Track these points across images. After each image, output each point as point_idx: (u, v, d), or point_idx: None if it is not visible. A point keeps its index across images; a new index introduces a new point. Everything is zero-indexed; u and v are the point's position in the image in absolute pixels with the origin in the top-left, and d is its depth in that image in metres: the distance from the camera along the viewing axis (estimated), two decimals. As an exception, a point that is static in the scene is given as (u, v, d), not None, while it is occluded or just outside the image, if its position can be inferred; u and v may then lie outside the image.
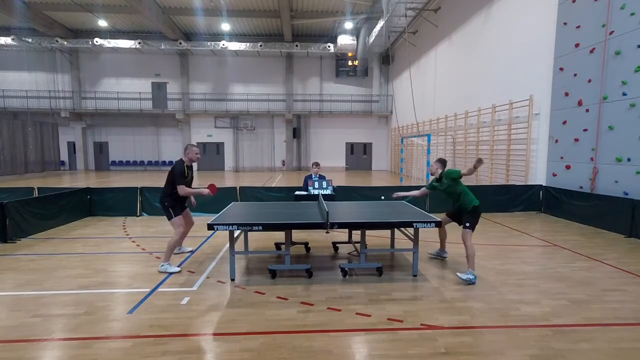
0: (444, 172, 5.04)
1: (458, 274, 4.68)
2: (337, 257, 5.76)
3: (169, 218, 5.18)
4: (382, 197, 5.57)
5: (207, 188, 5.22)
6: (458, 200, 4.98)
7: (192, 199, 5.58)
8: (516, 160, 11.06)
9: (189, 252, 5.94)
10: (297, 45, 23.88)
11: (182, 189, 5.11)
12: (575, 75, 8.81)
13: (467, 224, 4.77)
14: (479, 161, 4.67)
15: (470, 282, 4.54)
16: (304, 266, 4.88)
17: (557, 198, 9.00)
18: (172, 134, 26.91)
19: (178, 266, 5.13)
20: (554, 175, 9.53)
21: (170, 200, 5.15)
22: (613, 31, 7.80)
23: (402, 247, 5.83)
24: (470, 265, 4.65)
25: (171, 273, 4.95)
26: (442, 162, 5.19)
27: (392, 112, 24.90)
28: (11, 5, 18.84)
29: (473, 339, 3.25)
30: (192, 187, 5.43)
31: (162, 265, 5.03)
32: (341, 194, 8.94)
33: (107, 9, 20.49)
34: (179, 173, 5.12)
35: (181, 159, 5.27)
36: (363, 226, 4.83)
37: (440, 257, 5.61)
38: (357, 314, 3.73)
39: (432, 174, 5.21)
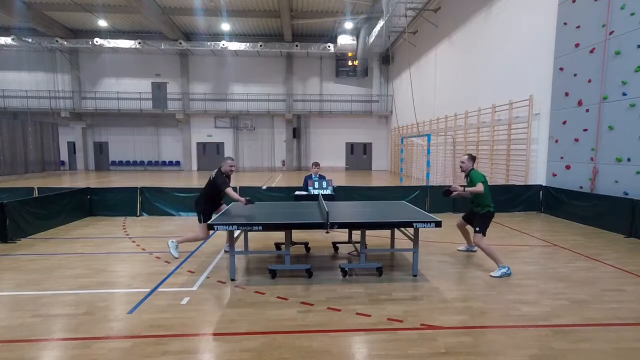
0: (472, 171, 5.15)
1: (491, 274, 4.79)
2: (337, 257, 5.76)
3: (199, 221, 5.44)
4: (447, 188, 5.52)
5: (245, 199, 5.34)
6: (473, 201, 5.14)
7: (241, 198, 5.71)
8: (516, 160, 11.06)
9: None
10: (297, 45, 23.87)
11: (230, 191, 5.28)
12: (575, 75, 8.81)
13: (477, 228, 4.99)
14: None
15: (505, 275, 4.74)
16: (304, 266, 4.87)
17: (557, 198, 9.00)
18: (172, 134, 26.92)
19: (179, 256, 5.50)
20: (554, 175, 9.53)
21: (205, 206, 5.45)
22: (613, 31, 7.80)
23: (402, 247, 5.82)
24: (497, 262, 4.85)
25: (172, 254, 5.43)
26: (473, 158, 5.24)
27: (392, 112, 24.90)
28: (11, 5, 18.84)
29: (473, 339, 3.24)
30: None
31: (173, 242, 5.46)
32: (341, 194, 8.94)
33: (107, 9, 20.49)
34: (222, 180, 5.32)
35: (219, 169, 5.46)
36: (363, 226, 4.83)
37: (470, 251, 5.90)
38: (357, 314, 3.73)
39: (462, 171, 5.26)
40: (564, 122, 9.17)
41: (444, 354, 3.01)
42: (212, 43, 23.78)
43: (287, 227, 4.81)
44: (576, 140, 8.79)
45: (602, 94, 8.05)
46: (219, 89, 26.75)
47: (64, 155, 26.25)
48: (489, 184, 5.17)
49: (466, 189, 5.08)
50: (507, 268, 4.80)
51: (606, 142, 8.00)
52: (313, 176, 7.72)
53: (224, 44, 23.46)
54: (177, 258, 5.45)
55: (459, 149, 15.05)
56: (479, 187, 4.93)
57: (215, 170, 5.47)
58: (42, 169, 22.39)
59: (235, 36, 24.82)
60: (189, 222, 8.32)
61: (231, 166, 5.50)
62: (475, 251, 5.83)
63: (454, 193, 5.39)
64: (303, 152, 27.45)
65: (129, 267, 5.22)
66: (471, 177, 5.11)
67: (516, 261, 5.49)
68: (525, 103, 10.51)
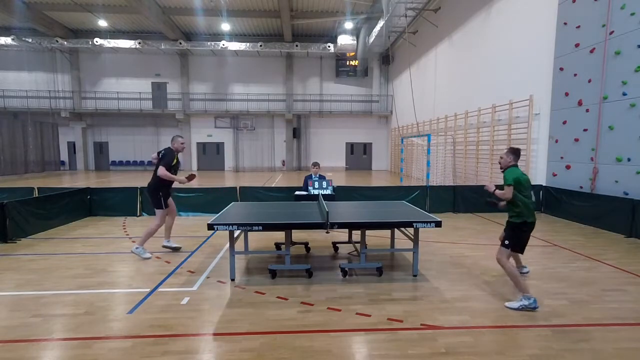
0: (508, 169, 4.10)
1: (506, 304, 3.87)
2: (337, 257, 5.76)
3: (158, 207, 5.61)
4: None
5: (186, 178, 5.64)
6: (508, 208, 4.10)
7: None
8: (516, 160, 11.03)
9: (176, 248, 6.05)
10: (297, 45, 23.87)
11: (161, 170, 5.46)
12: (575, 75, 8.81)
13: (506, 242, 4.07)
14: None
15: (527, 309, 3.74)
16: (304, 266, 4.88)
17: (557, 198, 9.00)
18: (172, 134, 26.55)
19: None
20: (554, 175, 9.53)
21: (165, 190, 5.64)
22: (613, 31, 7.80)
23: (402, 247, 5.81)
24: (519, 288, 3.89)
25: (144, 258, 5.47)
26: (514, 152, 4.13)
27: (392, 112, 24.90)
28: (11, 5, 18.83)
29: (473, 339, 3.24)
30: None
31: (137, 248, 5.52)
32: (341, 194, 8.94)
33: (107, 9, 20.49)
34: (170, 159, 5.59)
35: (169, 147, 5.74)
36: (363, 226, 4.82)
37: (522, 274, 4.65)
38: (357, 314, 3.73)
39: (500, 168, 4.21)
40: (564, 122, 9.16)
41: (444, 354, 3.01)
42: (212, 43, 23.78)
43: (287, 227, 4.81)
44: (576, 140, 8.79)
45: (602, 94, 8.04)
46: (219, 89, 26.75)
47: (64, 155, 26.24)
48: (509, 184, 3.98)
49: (496, 191, 4.12)
50: (532, 300, 3.75)
51: (606, 142, 7.99)
52: (313, 176, 7.72)
53: (224, 44, 23.46)
54: (150, 258, 5.51)
55: (459, 149, 15.05)
56: (506, 192, 3.95)
57: (165, 148, 5.72)
58: (42, 169, 22.38)
59: (235, 36, 24.81)
60: (188, 222, 8.33)
61: (182, 143, 5.82)
62: (526, 273, 4.79)
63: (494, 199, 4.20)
64: (303, 152, 27.44)
65: (129, 267, 5.22)
66: (504, 176, 4.06)
67: (516, 261, 5.49)
68: (525, 103, 10.51)
